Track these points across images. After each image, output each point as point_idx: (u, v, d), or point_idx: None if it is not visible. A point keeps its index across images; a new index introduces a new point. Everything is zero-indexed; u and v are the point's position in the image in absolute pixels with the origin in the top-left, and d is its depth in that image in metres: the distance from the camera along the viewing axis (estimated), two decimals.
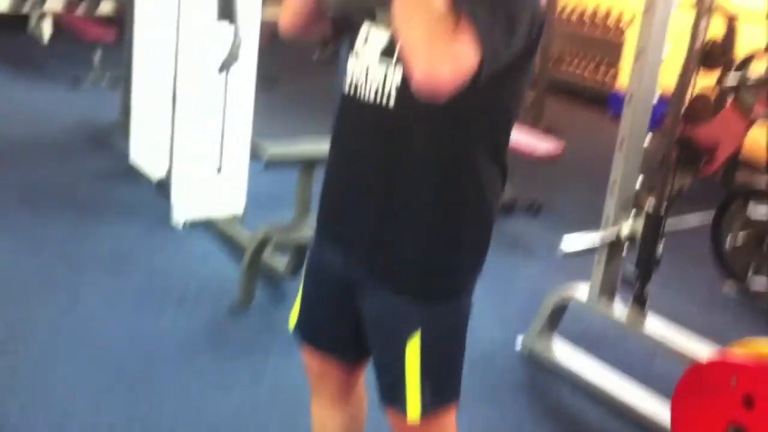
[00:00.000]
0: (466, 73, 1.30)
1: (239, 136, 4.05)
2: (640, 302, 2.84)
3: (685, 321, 2.98)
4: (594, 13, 7.93)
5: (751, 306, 3.33)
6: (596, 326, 3.26)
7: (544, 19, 1.46)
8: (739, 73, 2.49)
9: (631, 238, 2.80)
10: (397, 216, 1.52)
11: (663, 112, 3.00)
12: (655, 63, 2.63)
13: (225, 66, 3.70)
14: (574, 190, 5.27)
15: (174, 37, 3.98)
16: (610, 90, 7.48)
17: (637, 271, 2.82)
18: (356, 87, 1.56)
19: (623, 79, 7.21)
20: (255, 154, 3.41)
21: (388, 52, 1.51)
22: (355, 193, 1.58)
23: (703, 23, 2.59)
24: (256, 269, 3.37)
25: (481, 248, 1.58)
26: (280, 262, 3.54)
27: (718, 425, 2.33)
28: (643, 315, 2.85)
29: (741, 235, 2.40)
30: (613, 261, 2.92)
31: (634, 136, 2.70)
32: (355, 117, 1.59)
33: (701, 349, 2.67)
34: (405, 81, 1.45)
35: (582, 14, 8.01)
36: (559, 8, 7.53)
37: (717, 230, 2.46)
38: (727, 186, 4.76)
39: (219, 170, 4.01)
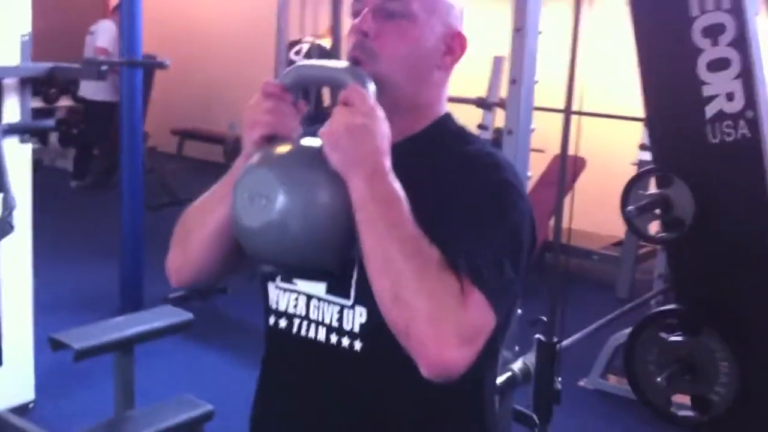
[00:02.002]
0: (483, 342, 1.06)
1: (19, 314, 3.34)
2: None
3: None
4: None
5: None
6: None
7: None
8: None
9: (526, 373, 2.50)
10: None
11: None
12: None
13: None
14: None
15: None
16: None
17: (535, 409, 2.52)
18: (292, 321, 1.22)
19: None
20: (57, 346, 2.76)
21: (338, 290, 1.18)
22: None
23: None
24: None
25: None
26: None
27: None
28: None
29: (657, 362, 2.17)
30: (506, 402, 2.61)
31: None
32: (298, 357, 1.24)
33: None
34: (373, 316, 1.12)
35: None
36: None
37: (631, 360, 2.22)
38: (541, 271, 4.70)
39: None
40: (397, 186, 1.06)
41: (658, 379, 2.09)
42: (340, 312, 1.17)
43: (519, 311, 2.62)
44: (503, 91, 3.96)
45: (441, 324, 1.01)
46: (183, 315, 2.97)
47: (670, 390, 2.13)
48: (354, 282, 1.16)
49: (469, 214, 1.11)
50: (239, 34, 8.32)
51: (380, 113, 1.08)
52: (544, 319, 2.42)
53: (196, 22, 8.91)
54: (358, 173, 1.04)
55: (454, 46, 1.23)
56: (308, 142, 1.12)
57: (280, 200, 1.04)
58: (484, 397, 1.26)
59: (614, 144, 5.36)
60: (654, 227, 2.28)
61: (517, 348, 2.60)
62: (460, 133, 1.26)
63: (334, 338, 1.18)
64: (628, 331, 3.69)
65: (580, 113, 2.34)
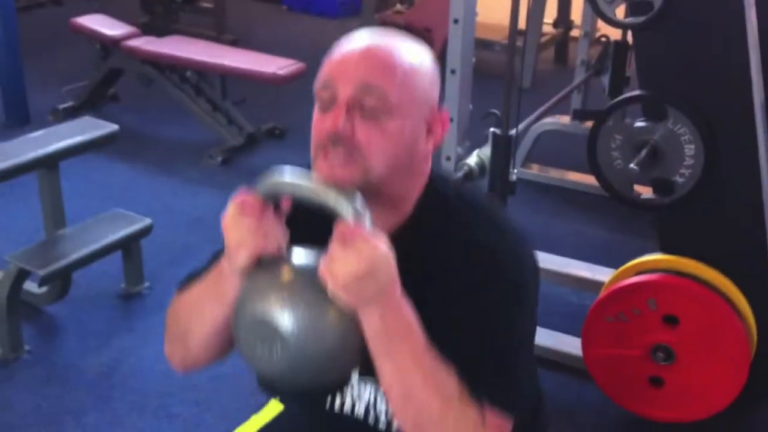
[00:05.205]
0: None
1: None
2: None
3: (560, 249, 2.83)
4: None
5: (631, 220, 3.25)
6: None
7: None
8: None
9: (481, 167, 2.49)
10: None
11: None
12: None
13: None
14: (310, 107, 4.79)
15: None
16: None
17: None
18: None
19: None
20: None
21: (367, 371, 1.10)
22: None
23: None
24: (16, 312, 2.53)
25: None
26: (35, 290, 2.71)
27: (640, 349, 2.20)
28: None
29: (622, 149, 2.20)
30: None
31: (464, 66, 2.35)
32: (331, 427, 1.26)
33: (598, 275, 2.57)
34: None
35: None
36: None
37: (594, 147, 2.23)
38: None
39: None
40: (411, 313, 1.01)
41: (631, 165, 2.11)
42: (375, 394, 1.18)
43: (470, 107, 2.58)
44: None
45: None
46: (107, 126, 2.74)
47: (637, 175, 2.16)
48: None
49: (477, 328, 1.06)
50: None
51: (383, 244, 0.97)
52: (497, 112, 2.38)
53: None
54: (370, 311, 0.98)
55: (435, 127, 1.10)
56: (304, 259, 1.04)
57: (293, 346, 0.99)
58: None
59: None
60: (620, 12, 2.23)
61: (468, 143, 2.58)
62: (449, 208, 1.14)
63: (371, 417, 1.19)
64: (550, 120, 3.77)
65: None
